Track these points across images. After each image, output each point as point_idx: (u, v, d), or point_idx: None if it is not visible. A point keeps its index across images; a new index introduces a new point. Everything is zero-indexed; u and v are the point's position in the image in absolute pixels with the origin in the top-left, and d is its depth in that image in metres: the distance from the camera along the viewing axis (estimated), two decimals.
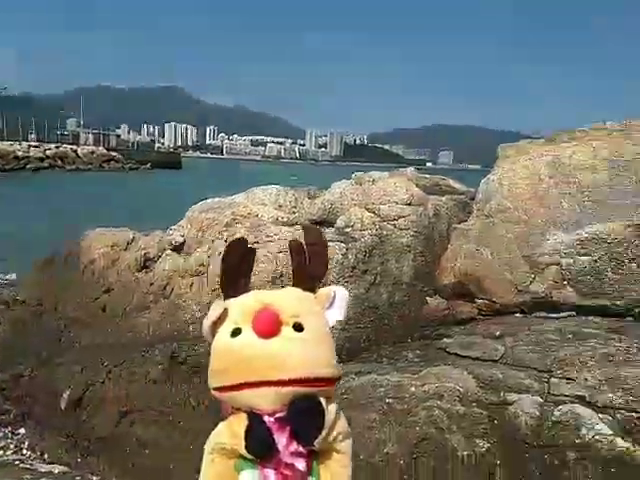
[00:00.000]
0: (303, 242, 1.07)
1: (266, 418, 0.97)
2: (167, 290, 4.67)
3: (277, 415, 0.97)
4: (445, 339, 3.80)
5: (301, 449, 0.98)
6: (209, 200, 5.56)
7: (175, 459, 3.65)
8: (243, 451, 0.97)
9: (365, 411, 3.05)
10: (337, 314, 1.08)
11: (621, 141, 3.89)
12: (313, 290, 1.06)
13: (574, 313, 3.75)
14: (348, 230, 4.19)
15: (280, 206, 5.00)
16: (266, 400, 0.97)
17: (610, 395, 2.76)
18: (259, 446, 0.97)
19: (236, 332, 0.99)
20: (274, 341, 0.96)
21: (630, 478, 2.58)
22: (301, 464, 0.98)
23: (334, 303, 1.07)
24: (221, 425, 1.03)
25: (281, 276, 3.91)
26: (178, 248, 4.86)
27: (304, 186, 6.15)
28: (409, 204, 4.45)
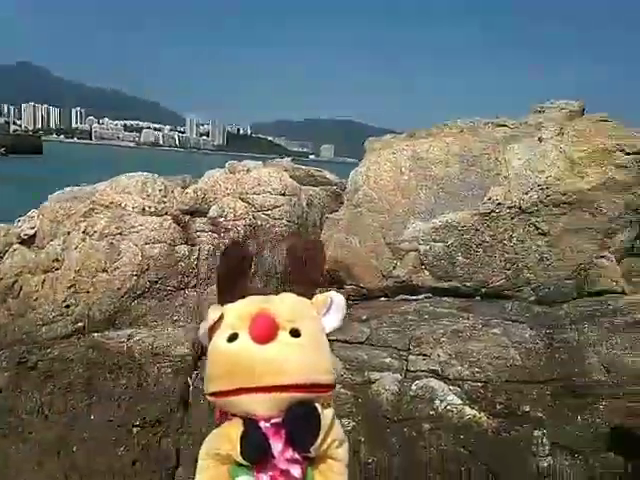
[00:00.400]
0: (302, 247, 1.06)
1: (262, 424, 0.95)
2: (15, 288, 4.16)
3: (273, 421, 0.95)
4: None
5: (297, 455, 0.96)
6: (68, 189, 5.05)
7: (25, 473, 3.28)
8: (238, 457, 0.94)
9: None
10: (333, 321, 1.06)
11: (470, 138, 4.29)
12: (309, 295, 1.05)
13: (430, 295, 4.07)
14: (221, 220, 4.09)
15: (148, 195, 4.70)
16: (262, 406, 0.94)
17: (459, 368, 3.05)
18: (254, 452, 0.94)
19: (233, 337, 0.97)
20: (271, 346, 0.94)
21: (477, 442, 2.88)
22: (296, 471, 0.96)
23: (330, 309, 1.05)
24: (216, 431, 1.00)
25: (147, 270, 3.69)
26: (28, 241, 4.34)
27: (179, 175, 5.88)
28: (283, 194, 4.47)
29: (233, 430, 0.98)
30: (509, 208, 4.01)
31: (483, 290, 4.18)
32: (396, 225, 4.24)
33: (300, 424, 0.96)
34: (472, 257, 4.11)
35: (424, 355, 3.14)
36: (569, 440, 2.95)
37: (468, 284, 4.18)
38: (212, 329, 1.02)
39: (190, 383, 3.27)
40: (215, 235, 3.88)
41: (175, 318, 3.59)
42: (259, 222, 4.19)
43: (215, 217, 4.09)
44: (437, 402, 2.91)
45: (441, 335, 3.23)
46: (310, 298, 1.07)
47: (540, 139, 4.01)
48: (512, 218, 4.04)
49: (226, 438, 0.98)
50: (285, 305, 1.02)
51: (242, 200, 4.27)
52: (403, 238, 4.19)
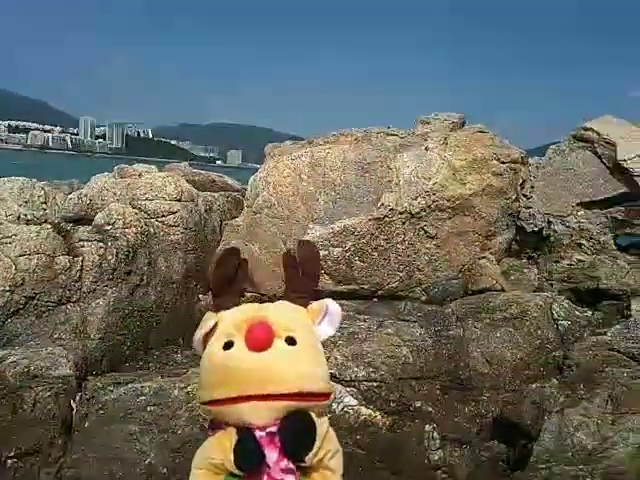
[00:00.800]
0: (296, 256, 1.05)
1: (257, 433, 0.92)
2: None
3: (268, 430, 0.93)
4: None
5: (291, 465, 0.93)
6: None
7: None
8: (232, 466, 0.92)
9: (124, 424, 2.82)
10: (328, 329, 1.05)
11: (364, 146, 4.45)
12: (304, 304, 1.03)
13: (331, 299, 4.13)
14: (108, 228, 3.83)
15: (25, 202, 4.29)
16: (258, 414, 0.92)
17: (355, 369, 3.12)
18: (249, 461, 0.91)
19: (228, 345, 0.95)
20: (267, 354, 0.93)
21: (372, 441, 2.95)
22: None
23: (325, 318, 1.04)
24: (209, 440, 0.98)
25: (22, 284, 3.34)
26: None
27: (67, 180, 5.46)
28: (178, 200, 4.29)
29: (227, 439, 0.95)
30: (400, 213, 4.21)
31: (379, 292, 4.33)
32: (296, 231, 4.26)
33: (295, 433, 0.94)
34: (368, 261, 4.24)
35: None
36: (457, 432, 3.14)
37: (365, 287, 4.31)
38: (207, 337, 1.00)
39: (74, 406, 3.01)
40: (101, 244, 3.61)
41: (56, 336, 3.28)
42: (152, 230, 3.98)
43: (101, 225, 3.82)
44: (334, 405, 2.94)
45: (338, 338, 3.28)
46: (305, 306, 1.05)
47: (427, 148, 4.26)
48: (403, 223, 4.24)
49: (220, 447, 0.96)
50: (282, 313, 1.01)
51: (133, 206, 4.04)
52: None
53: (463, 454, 2.98)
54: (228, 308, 1.04)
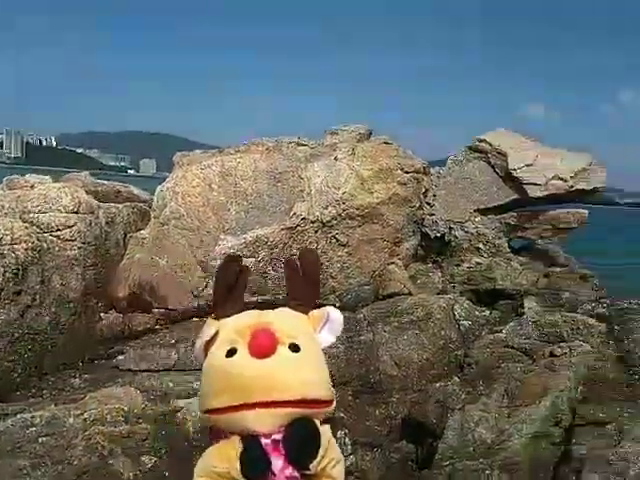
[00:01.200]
0: (298, 263, 1.04)
1: (262, 440, 0.92)
2: None
3: (273, 437, 0.92)
4: (119, 356, 3.57)
5: (295, 473, 0.92)
6: None
7: None
8: (237, 475, 0.91)
9: (12, 458, 2.55)
10: (329, 337, 1.04)
11: (275, 156, 4.45)
12: (304, 311, 1.03)
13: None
14: None
15: None
16: (262, 422, 0.92)
17: None
18: (256, 469, 0.91)
19: (231, 352, 0.94)
20: (270, 361, 0.92)
21: None
22: None
23: (326, 325, 1.03)
24: (211, 449, 0.96)
25: None
26: None
27: None
28: (76, 212, 4.00)
29: (231, 448, 0.93)
30: (312, 222, 4.25)
31: None
32: (206, 242, 4.15)
33: (300, 441, 0.94)
34: (282, 270, 4.22)
35: None
36: (368, 435, 3.20)
37: (281, 297, 4.29)
38: (208, 345, 0.99)
39: None
40: None
41: None
42: (45, 245, 3.67)
43: None
44: None
45: None
46: (306, 313, 1.05)
47: (336, 158, 4.35)
48: (315, 231, 4.29)
49: (224, 456, 0.94)
50: (285, 320, 1.01)
51: (23, 220, 3.70)
52: (214, 255, 4.11)
53: (374, 457, 3.04)
54: (229, 316, 1.02)
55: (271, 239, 4.18)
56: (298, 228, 4.25)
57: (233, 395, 0.94)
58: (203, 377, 1.00)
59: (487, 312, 3.92)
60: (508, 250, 4.60)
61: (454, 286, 4.48)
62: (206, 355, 1.02)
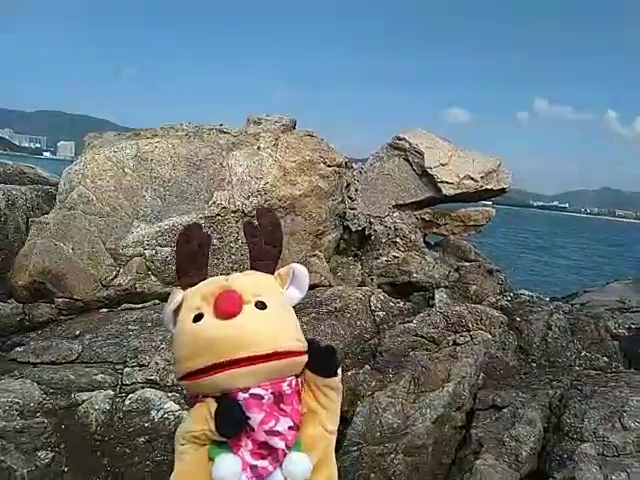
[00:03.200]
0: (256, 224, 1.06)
1: (240, 395, 0.93)
2: None
3: (251, 391, 0.94)
4: (18, 348, 3.30)
5: (278, 428, 0.94)
6: None
7: None
8: (215, 434, 0.92)
9: None
10: (296, 293, 1.08)
11: (196, 142, 4.31)
12: (270, 271, 1.06)
13: (158, 301, 3.91)
14: None
15: None
16: (237, 380, 0.93)
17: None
18: (231, 425, 0.91)
19: (198, 317, 0.96)
20: (237, 320, 0.94)
21: None
22: (278, 442, 0.94)
23: (293, 282, 1.06)
24: (187, 414, 1.00)
25: None
26: None
27: None
28: None
29: (205, 409, 0.95)
30: (233, 212, 4.17)
31: None
32: (118, 229, 3.94)
33: (325, 351, 1.06)
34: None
35: (141, 366, 2.97)
36: None
37: None
38: (176, 313, 1.01)
39: None
40: None
41: None
42: None
43: None
44: (153, 412, 2.78)
45: (160, 342, 3.11)
46: (272, 273, 1.08)
47: (259, 148, 4.30)
48: (237, 221, 4.21)
49: (199, 418, 0.96)
50: (249, 280, 1.03)
51: None
52: (126, 243, 3.92)
53: None
54: (194, 284, 1.04)
55: None
56: (218, 217, 4.15)
57: (203, 357, 0.94)
58: (174, 345, 1.02)
59: (401, 303, 4.06)
60: (423, 245, 4.80)
61: (372, 278, 4.61)
62: (175, 324, 1.05)
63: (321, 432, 1.11)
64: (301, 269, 1.14)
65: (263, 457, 0.98)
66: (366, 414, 2.80)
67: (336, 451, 2.88)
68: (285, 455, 1.00)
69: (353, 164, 4.86)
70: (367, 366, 3.15)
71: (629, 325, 5.87)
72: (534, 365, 3.79)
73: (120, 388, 2.86)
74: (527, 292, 4.93)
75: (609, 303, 7.03)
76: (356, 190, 4.79)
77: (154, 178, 4.13)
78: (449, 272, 4.59)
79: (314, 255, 4.59)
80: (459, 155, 4.73)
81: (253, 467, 0.97)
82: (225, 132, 4.41)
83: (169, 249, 4.00)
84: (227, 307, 0.97)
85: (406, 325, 3.54)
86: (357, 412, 2.82)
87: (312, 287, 4.42)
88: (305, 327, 3.67)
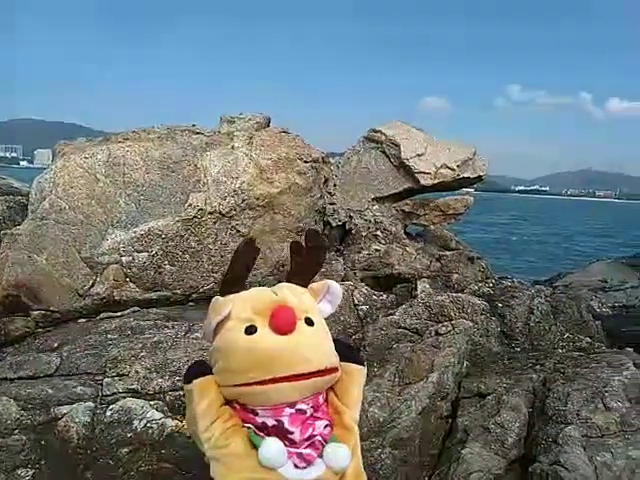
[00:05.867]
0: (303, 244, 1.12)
1: (287, 411, 0.99)
2: None
3: (297, 407, 1.00)
4: None
5: (315, 432, 1.02)
6: None
7: None
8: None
9: None
10: (329, 307, 1.13)
11: (168, 144, 4.24)
12: (305, 285, 1.12)
13: (138, 308, 3.85)
14: None
15: None
16: (286, 394, 1.00)
17: (159, 381, 2.93)
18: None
19: (250, 329, 0.99)
20: (293, 337, 0.99)
21: (180, 452, 2.80)
22: (317, 441, 1.02)
23: (325, 296, 1.12)
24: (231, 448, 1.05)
25: None
26: None
27: None
28: None
29: (245, 451, 1.04)
30: (210, 213, 4.12)
31: (194, 296, 4.19)
32: (92, 237, 3.86)
33: (351, 346, 1.23)
34: (179, 264, 4.06)
35: (121, 375, 2.91)
36: None
37: (178, 291, 4.12)
38: (220, 323, 1.03)
39: None
40: None
41: None
42: None
43: None
44: (135, 422, 2.73)
45: (140, 350, 3.06)
46: (305, 287, 1.14)
47: (233, 147, 4.24)
48: (214, 223, 4.16)
49: (244, 457, 1.04)
50: (297, 296, 1.08)
51: None
52: (102, 251, 3.85)
53: None
54: (234, 292, 1.09)
55: (165, 232, 3.99)
56: (195, 219, 4.09)
57: (259, 371, 0.98)
58: (221, 354, 1.04)
59: (384, 296, 4.05)
60: (404, 236, 4.79)
61: (355, 273, 4.59)
62: (216, 334, 1.07)
63: (350, 427, 1.18)
64: (336, 286, 1.21)
65: (307, 462, 1.08)
66: None
67: None
68: (323, 446, 1.07)
69: (330, 159, 4.83)
70: None
71: (612, 304, 5.96)
72: (518, 350, 3.82)
73: (100, 399, 2.81)
74: (510, 277, 4.97)
75: (591, 283, 7.13)
76: (334, 185, 4.76)
77: (127, 183, 4.06)
78: (431, 262, 4.59)
79: None
80: (435, 145, 4.72)
81: (299, 454, 1.05)
82: (198, 133, 4.35)
83: (146, 254, 3.95)
84: (285, 325, 1.02)
85: (389, 318, 3.54)
86: None
87: None
88: None
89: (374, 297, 3.97)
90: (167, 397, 2.90)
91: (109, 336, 3.33)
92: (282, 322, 1.02)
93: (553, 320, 4.05)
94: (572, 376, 2.98)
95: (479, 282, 4.40)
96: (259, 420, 1.07)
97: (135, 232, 3.89)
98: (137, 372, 2.93)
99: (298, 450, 1.04)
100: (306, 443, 1.05)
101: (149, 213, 4.03)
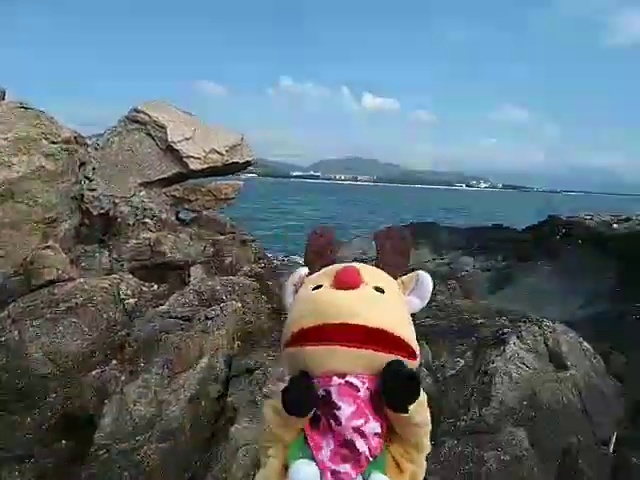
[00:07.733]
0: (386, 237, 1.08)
1: (335, 380, 0.87)
2: None
3: (347, 379, 0.87)
4: None
5: (366, 428, 0.85)
6: None
7: None
8: (282, 412, 0.84)
9: None
10: (418, 301, 1.01)
11: None
12: (393, 276, 1.03)
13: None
14: None
15: None
16: (338, 360, 0.87)
17: None
18: (298, 404, 0.84)
19: (316, 288, 0.96)
20: (354, 292, 0.92)
21: None
22: (363, 446, 0.84)
23: (415, 289, 1.01)
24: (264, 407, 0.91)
25: None
26: None
27: None
28: None
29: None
30: None
31: None
32: None
33: (401, 378, 0.86)
34: None
35: None
36: (19, 447, 2.76)
37: None
38: (296, 287, 0.99)
39: None
40: None
41: None
42: None
43: None
44: None
45: None
46: (395, 279, 1.02)
47: None
48: None
49: (271, 408, 0.87)
50: (372, 269, 1.00)
51: None
52: None
53: (23, 470, 2.65)
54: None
55: None
56: None
57: (312, 316, 0.93)
58: (289, 312, 0.99)
59: (155, 287, 3.89)
60: (177, 222, 4.66)
61: (123, 264, 4.28)
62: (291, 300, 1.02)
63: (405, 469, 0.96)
64: (426, 276, 1.08)
65: (345, 460, 0.89)
66: (115, 412, 2.61)
67: (83, 461, 2.64)
68: (368, 462, 0.89)
69: (87, 140, 4.36)
70: (114, 361, 2.93)
71: None
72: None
73: None
74: (281, 256, 5.30)
75: (353, 255, 8.15)
76: (94, 169, 4.33)
77: None
78: (205, 247, 4.58)
79: (47, 247, 4.01)
80: (203, 129, 4.67)
81: (335, 472, 0.88)
82: None
83: None
84: (347, 278, 0.97)
85: (158, 309, 3.41)
86: (104, 413, 2.60)
87: (47, 284, 3.86)
88: (38, 332, 3.20)
89: (144, 289, 3.77)
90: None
91: None
92: (344, 276, 0.98)
93: None
94: None
95: (252, 263, 4.57)
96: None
97: None
98: None
99: (334, 467, 0.88)
100: (351, 435, 0.88)
101: None
